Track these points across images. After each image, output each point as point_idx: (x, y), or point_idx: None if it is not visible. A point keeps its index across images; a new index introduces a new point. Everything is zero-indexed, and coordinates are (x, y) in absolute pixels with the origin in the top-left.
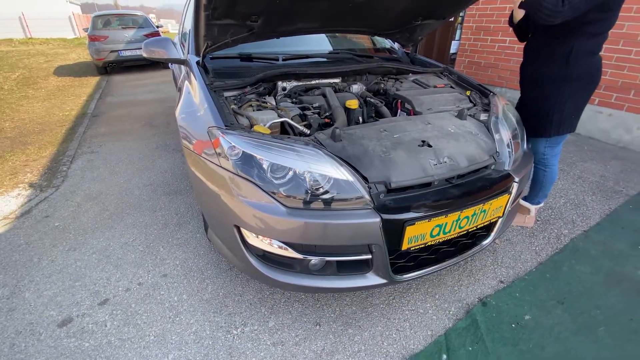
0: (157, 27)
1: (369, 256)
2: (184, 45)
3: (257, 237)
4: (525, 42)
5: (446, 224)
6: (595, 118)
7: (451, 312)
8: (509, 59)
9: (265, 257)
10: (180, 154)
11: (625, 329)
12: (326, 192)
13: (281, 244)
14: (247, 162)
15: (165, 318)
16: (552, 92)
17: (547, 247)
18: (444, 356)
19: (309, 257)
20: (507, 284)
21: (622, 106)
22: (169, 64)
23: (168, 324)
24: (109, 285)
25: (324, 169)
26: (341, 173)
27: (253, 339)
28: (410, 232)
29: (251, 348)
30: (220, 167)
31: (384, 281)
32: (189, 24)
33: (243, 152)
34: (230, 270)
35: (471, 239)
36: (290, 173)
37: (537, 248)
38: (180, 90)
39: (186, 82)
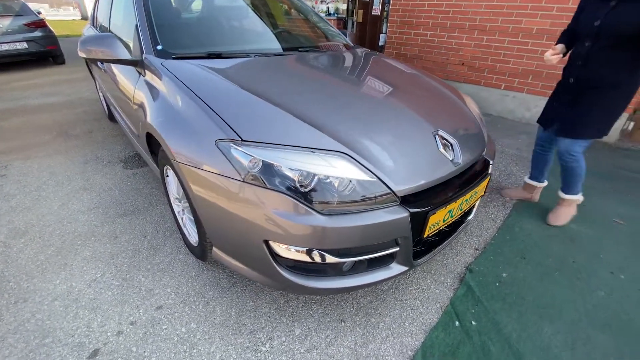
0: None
1: (397, 249)
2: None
3: (289, 248)
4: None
5: (454, 208)
6: (503, 100)
7: (448, 283)
8: (431, 50)
9: (296, 267)
10: (121, 166)
11: (571, 269)
12: (354, 192)
13: (316, 251)
14: (271, 173)
15: (181, 353)
16: (613, 98)
17: (499, 214)
18: (457, 322)
19: (345, 260)
20: (481, 250)
21: (522, 89)
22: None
23: (186, 359)
24: (93, 333)
25: (350, 172)
26: (366, 174)
27: (285, 350)
28: (431, 220)
29: None
30: (242, 181)
31: (405, 268)
32: (120, 16)
33: (264, 162)
34: (233, 286)
35: (460, 217)
36: (316, 179)
37: (492, 216)
38: (127, 94)
39: (147, 85)
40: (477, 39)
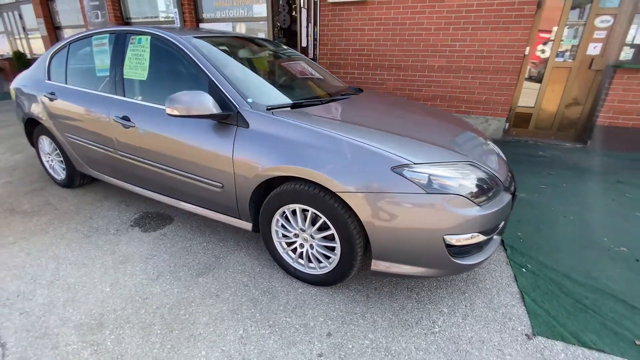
0: None
1: (503, 222)
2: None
3: (460, 237)
4: None
5: None
6: None
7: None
8: (359, 85)
9: (457, 253)
10: (138, 230)
11: (547, 222)
12: (487, 186)
13: (477, 234)
14: (440, 183)
15: (384, 357)
16: None
17: None
18: (523, 269)
19: (488, 237)
20: None
21: None
22: None
23: (393, 358)
24: None
25: (480, 173)
26: (488, 173)
27: (450, 325)
28: (516, 198)
29: (458, 330)
30: (425, 194)
31: (500, 238)
32: (145, 72)
33: (432, 175)
34: (369, 298)
35: None
36: (468, 182)
37: None
38: (207, 148)
39: (259, 135)
40: (395, 75)
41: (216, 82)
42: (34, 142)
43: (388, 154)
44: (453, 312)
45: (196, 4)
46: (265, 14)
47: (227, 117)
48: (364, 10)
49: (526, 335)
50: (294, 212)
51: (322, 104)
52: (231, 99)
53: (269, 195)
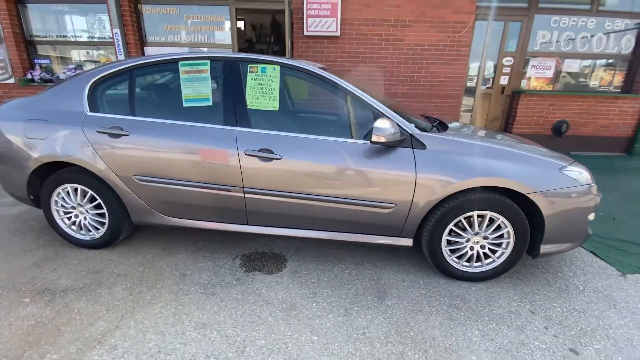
0: None
1: None
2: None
3: (593, 214)
4: None
5: None
6: None
7: None
8: None
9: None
10: (262, 275)
11: None
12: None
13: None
14: (579, 177)
15: (576, 315)
16: None
17: None
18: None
19: None
20: None
21: None
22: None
23: (581, 314)
24: None
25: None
26: None
27: (584, 282)
28: None
29: (592, 285)
30: (581, 185)
31: None
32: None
33: (578, 172)
34: (520, 280)
35: None
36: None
37: None
38: (371, 173)
39: (439, 154)
40: None
41: (383, 111)
42: (38, 196)
43: (553, 159)
44: (575, 274)
45: (140, 25)
46: (230, 41)
47: (402, 142)
48: (336, 44)
49: (622, 275)
50: (466, 219)
51: (435, 126)
52: (401, 125)
53: (443, 207)
